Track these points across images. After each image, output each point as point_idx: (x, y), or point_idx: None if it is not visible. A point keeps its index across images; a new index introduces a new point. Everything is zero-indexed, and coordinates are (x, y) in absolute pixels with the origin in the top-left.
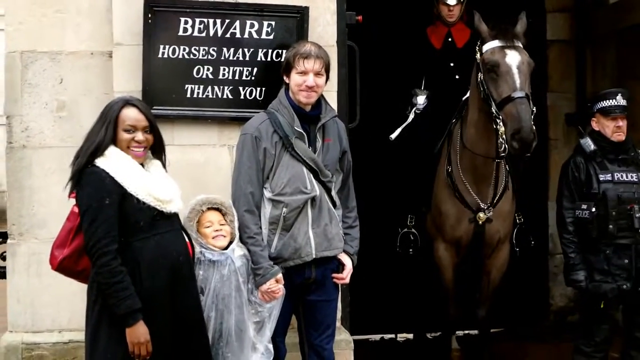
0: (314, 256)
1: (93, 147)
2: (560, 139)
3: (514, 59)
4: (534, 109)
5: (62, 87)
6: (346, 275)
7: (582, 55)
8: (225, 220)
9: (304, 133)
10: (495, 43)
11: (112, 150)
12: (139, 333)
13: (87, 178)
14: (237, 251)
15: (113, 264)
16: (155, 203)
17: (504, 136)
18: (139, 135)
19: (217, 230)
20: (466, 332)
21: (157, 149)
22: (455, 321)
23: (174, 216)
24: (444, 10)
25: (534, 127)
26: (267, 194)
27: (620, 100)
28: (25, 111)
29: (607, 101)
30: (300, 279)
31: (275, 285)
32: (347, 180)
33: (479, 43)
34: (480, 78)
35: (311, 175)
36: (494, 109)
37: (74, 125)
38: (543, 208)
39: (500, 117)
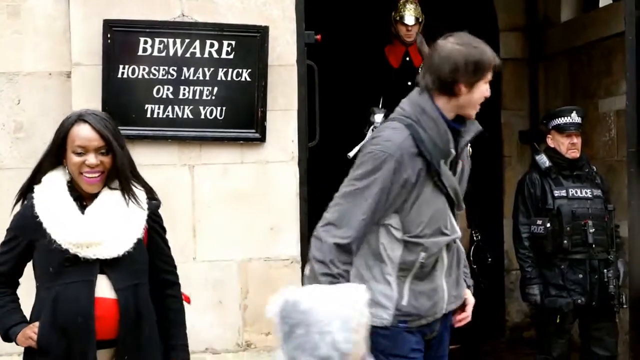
0: (444, 311)
1: (32, 172)
2: (514, 156)
3: None
4: None
5: (20, 108)
6: (470, 312)
7: (534, 73)
8: None
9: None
10: None
11: (50, 176)
12: (21, 342)
13: (20, 205)
14: None
15: None
16: (67, 245)
17: None
18: (91, 158)
19: None
20: None
21: (117, 175)
22: None
23: (97, 263)
24: (402, 30)
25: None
26: (397, 233)
27: (575, 118)
28: None
29: (562, 118)
30: (428, 332)
31: None
32: None
33: (422, 65)
34: None
35: (449, 211)
36: None
37: (32, 147)
38: (498, 225)
39: None
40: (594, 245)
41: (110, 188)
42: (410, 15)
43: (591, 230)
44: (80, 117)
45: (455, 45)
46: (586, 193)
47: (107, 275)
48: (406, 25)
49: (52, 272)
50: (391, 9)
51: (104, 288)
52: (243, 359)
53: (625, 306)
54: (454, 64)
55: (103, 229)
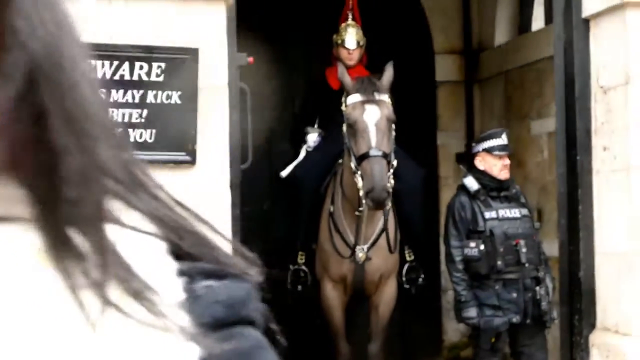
0: None
1: None
2: (451, 176)
3: (372, 115)
4: (394, 163)
5: None
6: None
7: (470, 95)
8: None
9: None
10: (356, 97)
11: None
12: None
13: None
14: None
15: None
16: None
17: (361, 191)
18: None
19: None
20: None
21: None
22: (346, 358)
23: None
24: (344, 53)
25: (389, 184)
26: None
27: (505, 139)
28: None
29: (494, 140)
30: None
31: None
32: None
33: (345, 94)
34: (344, 130)
35: None
36: (353, 164)
37: None
38: (434, 244)
39: (359, 171)
40: (526, 264)
41: None
42: (351, 39)
43: (523, 250)
44: None
45: None
46: (515, 213)
47: None
48: (347, 49)
49: None
50: (333, 31)
51: None
52: None
53: (556, 320)
54: None
55: None
